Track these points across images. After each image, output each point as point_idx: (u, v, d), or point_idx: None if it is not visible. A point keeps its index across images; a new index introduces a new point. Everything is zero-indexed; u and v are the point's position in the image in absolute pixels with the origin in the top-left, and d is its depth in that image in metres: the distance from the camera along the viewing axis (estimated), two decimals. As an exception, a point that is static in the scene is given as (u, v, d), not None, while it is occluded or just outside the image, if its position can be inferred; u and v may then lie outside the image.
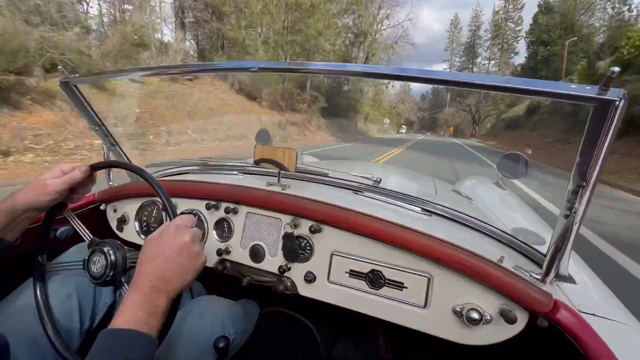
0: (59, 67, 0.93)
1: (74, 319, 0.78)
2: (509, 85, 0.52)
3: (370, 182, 1.05)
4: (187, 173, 1.21)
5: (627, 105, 0.44)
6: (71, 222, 0.75)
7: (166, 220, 0.61)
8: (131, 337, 0.44)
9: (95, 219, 1.08)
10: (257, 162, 0.92)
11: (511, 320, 0.62)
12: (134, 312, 0.46)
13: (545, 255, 0.68)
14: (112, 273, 0.63)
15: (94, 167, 0.76)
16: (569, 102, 0.50)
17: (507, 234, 0.81)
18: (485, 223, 0.84)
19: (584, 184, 0.53)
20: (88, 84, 0.92)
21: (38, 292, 0.72)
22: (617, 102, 0.44)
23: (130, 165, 0.75)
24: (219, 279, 0.94)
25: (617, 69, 0.42)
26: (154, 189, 0.66)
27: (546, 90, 0.49)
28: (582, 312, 0.63)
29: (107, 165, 0.87)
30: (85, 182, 0.77)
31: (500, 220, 1.12)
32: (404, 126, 67.55)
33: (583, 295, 0.69)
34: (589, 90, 0.46)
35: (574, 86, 0.47)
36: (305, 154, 2.21)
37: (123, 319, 0.45)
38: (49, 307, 0.72)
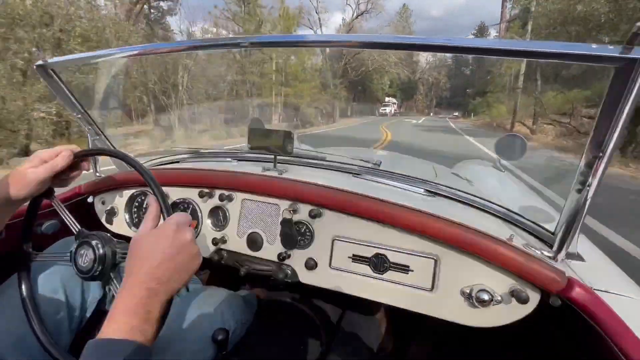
0: (34, 49, 0.86)
1: (62, 315, 0.74)
2: (523, 49, 0.48)
3: (369, 165, 1.01)
4: (179, 162, 1.15)
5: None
6: (58, 210, 0.70)
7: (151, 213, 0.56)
8: (124, 349, 0.39)
9: (83, 212, 1.03)
10: (253, 148, 0.88)
11: (523, 300, 0.59)
12: (127, 319, 0.41)
13: (553, 234, 0.66)
14: (100, 268, 0.59)
15: (77, 155, 0.71)
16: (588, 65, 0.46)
17: (514, 212, 0.78)
18: (491, 202, 0.81)
19: (601, 154, 0.50)
20: (66, 67, 0.85)
21: (23, 285, 0.68)
22: None
23: (120, 154, 0.69)
24: (217, 269, 0.91)
25: None
26: (146, 180, 0.60)
27: (565, 52, 0.45)
28: (595, 289, 0.61)
29: (93, 152, 0.81)
30: (70, 169, 0.72)
31: (502, 201, 1.10)
32: (389, 98, 47.92)
33: (594, 272, 0.67)
34: (612, 50, 0.42)
35: (594, 46, 0.43)
36: (302, 135, 2.16)
37: (114, 327, 0.40)
38: (35, 302, 0.68)
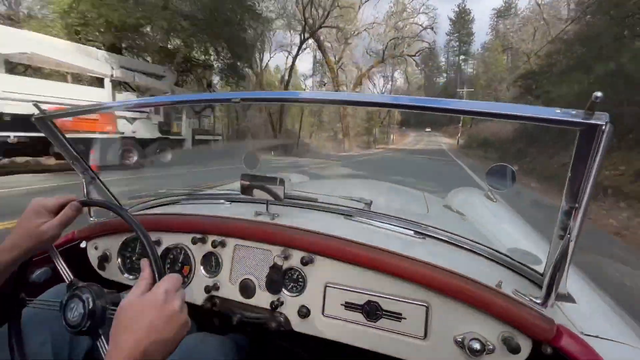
0: (32, 103, 0.89)
1: None
2: (492, 110, 0.51)
3: (361, 206, 1.03)
4: (173, 204, 1.16)
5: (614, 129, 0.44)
6: (54, 259, 0.70)
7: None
8: None
9: (76, 258, 1.02)
10: (245, 193, 0.89)
11: (514, 349, 0.59)
12: None
13: (542, 275, 0.67)
14: (89, 323, 0.58)
15: (84, 204, 0.73)
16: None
17: (503, 254, 0.79)
18: (480, 244, 0.83)
19: (577, 205, 0.52)
20: (62, 118, 0.89)
21: (14, 332, 0.67)
22: (603, 127, 0.43)
23: (119, 210, 0.69)
24: (210, 314, 0.90)
25: (599, 94, 0.42)
26: (142, 240, 0.61)
27: (531, 115, 0.48)
28: (585, 334, 0.61)
29: (98, 204, 0.82)
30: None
31: (494, 236, 1.11)
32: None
33: (584, 315, 0.67)
34: (574, 115, 0.45)
35: (558, 111, 0.47)
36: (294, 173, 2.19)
37: None
38: (24, 351, 0.66)
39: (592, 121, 0.44)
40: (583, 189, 0.50)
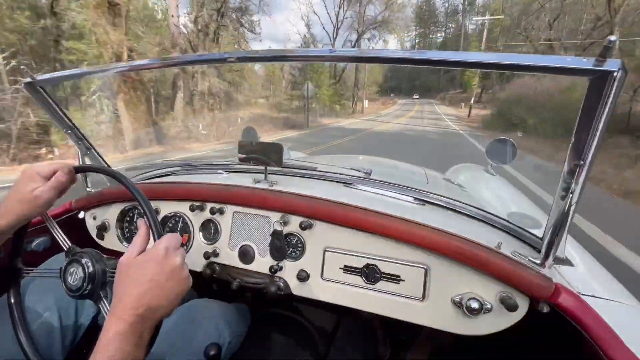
0: (22, 67, 0.86)
1: (55, 334, 0.73)
2: (499, 61, 0.49)
3: (360, 174, 1.02)
4: (170, 174, 1.15)
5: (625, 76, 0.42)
6: (50, 227, 0.70)
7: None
8: None
9: (74, 228, 1.02)
10: (243, 160, 0.88)
11: (512, 308, 0.60)
12: (119, 346, 0.41)
13: (541, 239, 0.67)
14: (89, 286, 0.59)
15: (77, 169, 0.72)
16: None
17: (502, 219, 0.79)
18: (480, 209, 0.82)
19: (581, 162, 0.51)
20: (55, 84, 0.86)
21: (14, 302, 0.68)
22: (615, 73, 0.41)
23: (116, 174, 0.69)
24: (209, 282, 0.90)
25: (614, 37, 0.40)
26: (138, 200, 0.60)
27: (540, 65, 0.46)
28: (583, 294, 0.62)
29: (92, 169, 0.81)
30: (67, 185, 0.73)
31: (493, 206, 1.11)
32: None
33: (581, 277, 0.68)
34: (585, 63, 0.43)
35: (569, 59, 0.44)
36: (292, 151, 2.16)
37: (107, 355, 0.40)
38: (25, 320, 0.67)
39: (604, 68, 0.42)
40: (589, 145, 0.49)
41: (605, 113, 0.45)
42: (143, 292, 0.44)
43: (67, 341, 0.75)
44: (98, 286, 0.59)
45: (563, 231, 0.59)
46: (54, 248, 0.76)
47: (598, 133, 0.47)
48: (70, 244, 0.67)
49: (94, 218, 1.04)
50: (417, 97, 68.25)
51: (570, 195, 0.55)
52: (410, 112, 33.03)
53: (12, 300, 0.68)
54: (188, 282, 0.50)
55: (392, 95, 71.70)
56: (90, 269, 0.59)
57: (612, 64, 0.41)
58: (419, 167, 1.81)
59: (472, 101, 25.51)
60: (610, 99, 0.43)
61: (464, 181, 1.55)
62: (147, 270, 0.46)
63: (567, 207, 0.56)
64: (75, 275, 0.60)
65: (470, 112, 22.78)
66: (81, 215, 1.06)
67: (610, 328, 0.51)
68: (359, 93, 31.83)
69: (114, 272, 0.61)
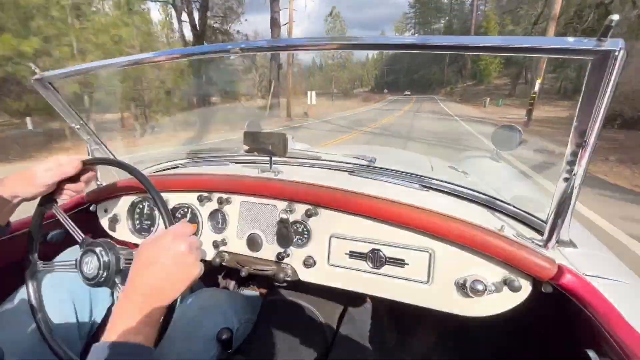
0: (31, 64, 0.88)
1: (71, 324, 0.76)
2: (500, 44, 0.49)
3: (364, 162, 1.03)
4: (177, 167, 1.17)
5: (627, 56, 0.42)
6: (61, 220, 0.73)
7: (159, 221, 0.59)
8: (127, 350, 0.41)
9: (87, 220, 1.05)
10: (248, 150, 0.89)
11: (515, 289, 0.61)
12: (127, 323, 0.43)
13: (545, 222, 0.68)
14: (105, 274, 0.61)
15: (86, 162, 0.75)
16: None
17: (506, 203, 0.80)
18: (483, 194, 0.83)
19: (584, 142, 0.51)
20: (63, 78, 0.88)
21: (32, 295, 0.70)
22: (616, 53, 0.41)
23: (125, 165, 0.71)
24: (218, 271, 0.93)
25: (616, 16, 0.40)
26: (149, 191, 0.63)
27: (540, 46, 0.46)
28: (586, 275, 0.62)
29: (99, 161, 0.83)
30: (76, 178, 0.75)
31: (498, 191, 1.11)
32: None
33: (585, 258, 0.68)
34: (586, 43, 0.43)
35: (570, 40, 0.45)
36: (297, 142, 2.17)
37: (116, 331, 0.43)
38: (44, 311, 0.70)
39: (605, 47, 0.42)
40: (592, 126, 0.49)
41: (607, 93, 0.45)
42: (150, 273, 0.48)
43: (83, 333, 0.79)
44: (112, 273, 0.62)
45: (566, 213, 0.60)
46: (69, 240, 0.78)
47: (601, 113, 0.47)
48: (83, 236, 0.69)
49: (106, 210, 1.07)
50: (409, 93, 63.18)
51: (574, 177, 0.55)
52: (397, 112, 21.13)
53: (31, 294, 0.70)
54: (194, 269, 0.51)
55: (385, 91, 69.03)
56: (105, 258, 0.62)
57: (613, 44, 0.41)
58: (423, 156, 1.81)
59: (535, 92, 12.03)
60: (613, 79, 0.43)
61: (469, 168, 1.54)
62: (156, 254, 0.49)
63: (570, 188, 0.56)
64: (91, 265, 0.63)
65: (529, 117, 11.94)
66: (93, 208, 1.09)
67: (612, 306, 0.52)
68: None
69: (128, 260, 0.63)
